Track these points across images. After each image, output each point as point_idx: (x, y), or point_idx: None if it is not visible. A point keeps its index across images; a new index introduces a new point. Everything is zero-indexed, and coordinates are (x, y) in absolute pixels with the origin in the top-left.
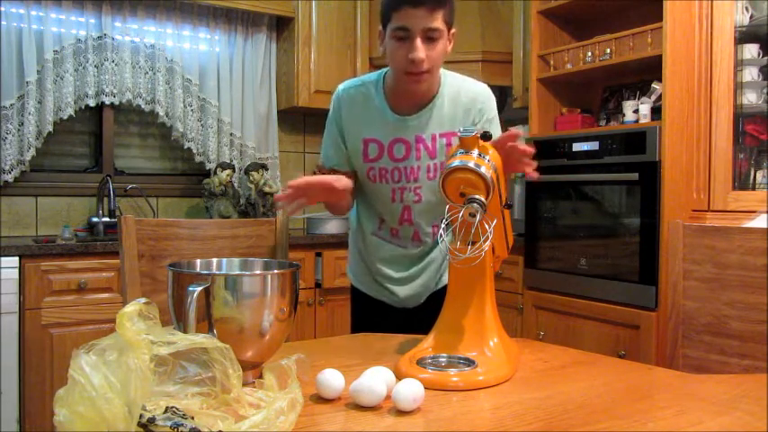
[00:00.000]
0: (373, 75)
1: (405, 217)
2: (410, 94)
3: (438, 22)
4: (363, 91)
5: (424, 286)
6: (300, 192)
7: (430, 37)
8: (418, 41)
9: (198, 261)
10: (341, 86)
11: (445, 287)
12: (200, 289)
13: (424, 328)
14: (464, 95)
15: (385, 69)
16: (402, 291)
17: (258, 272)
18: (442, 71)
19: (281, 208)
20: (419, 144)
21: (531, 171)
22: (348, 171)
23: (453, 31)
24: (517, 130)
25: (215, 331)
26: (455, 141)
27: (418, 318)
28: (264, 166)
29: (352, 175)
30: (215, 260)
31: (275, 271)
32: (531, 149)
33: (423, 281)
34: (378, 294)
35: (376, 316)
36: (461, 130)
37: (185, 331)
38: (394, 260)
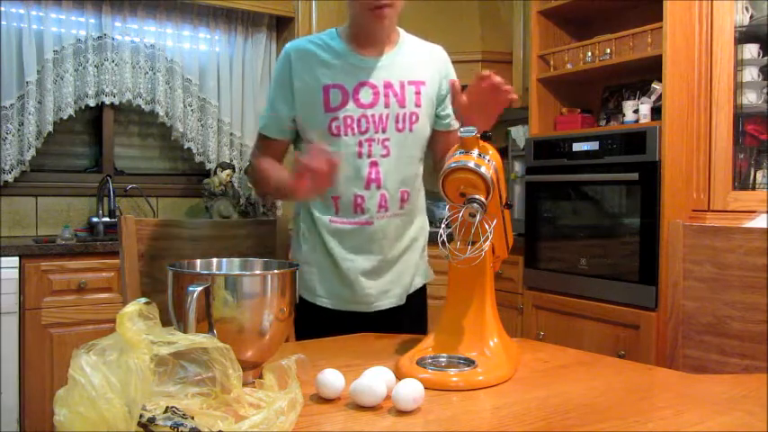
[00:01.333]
0: (323, 31)
1: (372, 176)
2: (372, 38)
3: None
4: (316, 42)
5: (395, 283)
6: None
7: None
8: None
9: (198, 261)
10: (288, 44)
11: (419, 290)
12: (200, 289)
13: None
14: (428, 49)
15: (335, 27)
16: (373, 286)
17: (258, 272)
18: (399, 29)
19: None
20: (387, 90)
21: (514, 96)
22: (280, 140)
23: None
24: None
25: (215, 331)
26: (424, 90)
27: (394, 323)
28: None
29: (282, 147)
30: (215, 260)
31: (275, 271)
32: (501, 79)
33: (394, 276)
34: (345, 303)
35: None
36: (461, 130)
37: (185, 331)
38: (362, 247)
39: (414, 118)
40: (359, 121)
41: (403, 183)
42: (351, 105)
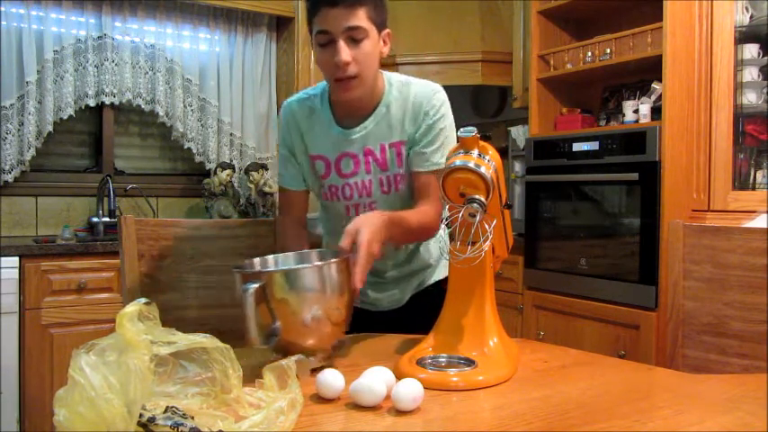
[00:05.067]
0: (318, 86)
1: None
2: (350, 103)
3: (360, 20)
4: (309, 104)
5: (403, 293)
6: None
7: (353, 38)
8: (341, 43)
9: (256, 260)
10: (287, 101)
11: (426, 289)
12: (255, 286)
13: (407, 330)
14: (411, 99)
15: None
16: (378, 295)
17: (312, 264)
18: (388, 78)
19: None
20: (368, 157)
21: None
22: (299, 191)
23: (387, 31)
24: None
25: (278, 323)
26: (405, 149)
27: (399, 320)
28: (264, 166)
29: (303, 197)
30: (271, 257)
31: (330, 261)
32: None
33: (399, 290)
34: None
35: (355, 327)
36: (461, 130)
37: (247, 330)
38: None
39: (398, 179)
40: (343, 188)
41: None
42: (333, 175)
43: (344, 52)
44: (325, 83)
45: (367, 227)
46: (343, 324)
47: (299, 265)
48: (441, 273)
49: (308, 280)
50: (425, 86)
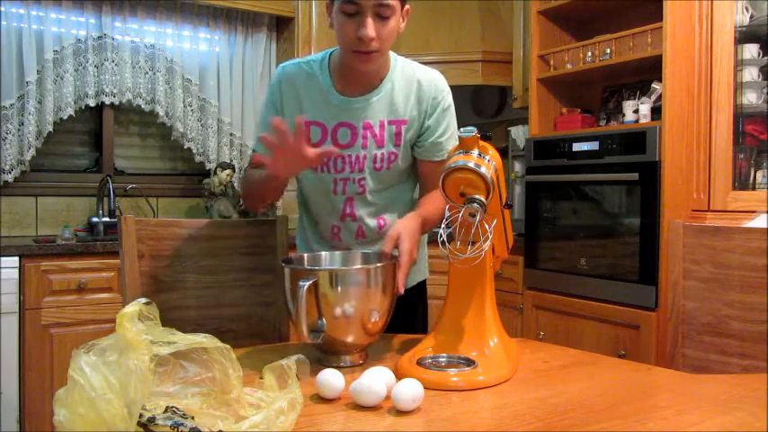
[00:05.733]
0: (319, 54)
1: (347, 211)
2: (358, 74)
3: None
4: (306, 69)
5: None
6: (287, 144)
7: (380, 14)
8: (368, 19)
9: (305, 255)
10: (282, 65)
11: (409, 290)
12: (308, 283)
13: (392, 330)
14: (417, 83)
15: (332, 49)
16: None
17: (360, 266)
18: (394, 55)
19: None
20: (366, 131)
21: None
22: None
23: (407, 7)
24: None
25: (324, 320)
26: (404, 130)
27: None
28: None
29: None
30: (324, 253)
31: (377, 265)
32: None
33: None
34: None
35: None
36: (461, 130)
37: (298, 320)
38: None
39: (392, 157)
40: (335, 160)
41: (380, 212)
42: (328, 144)
43: (371, 28)
44: (326, 51)
45: (408, 234)
46: (383, 325)
47: (353, 267)
48: (422, 273)
49: (360, 281)
50: (429, 71)
